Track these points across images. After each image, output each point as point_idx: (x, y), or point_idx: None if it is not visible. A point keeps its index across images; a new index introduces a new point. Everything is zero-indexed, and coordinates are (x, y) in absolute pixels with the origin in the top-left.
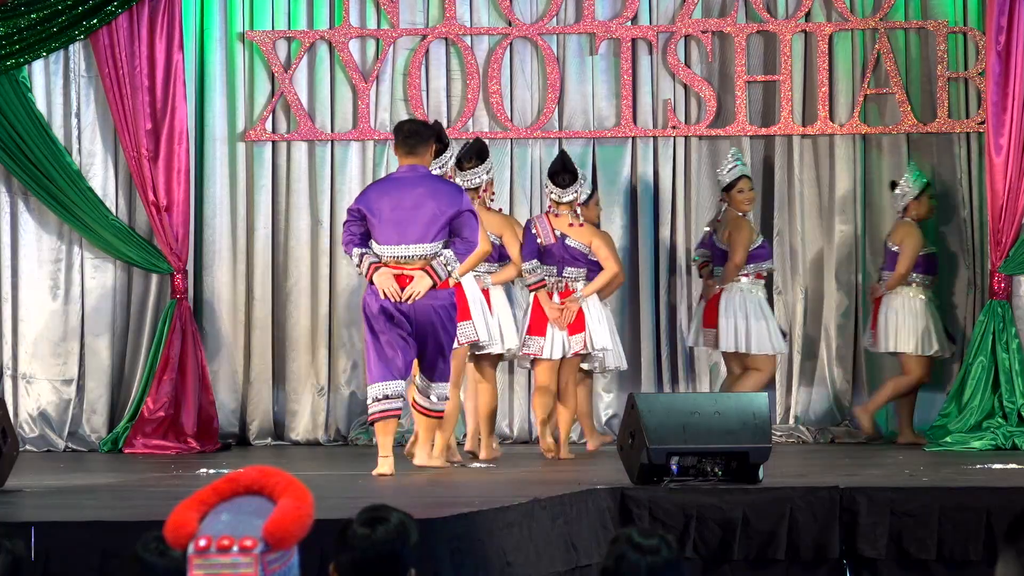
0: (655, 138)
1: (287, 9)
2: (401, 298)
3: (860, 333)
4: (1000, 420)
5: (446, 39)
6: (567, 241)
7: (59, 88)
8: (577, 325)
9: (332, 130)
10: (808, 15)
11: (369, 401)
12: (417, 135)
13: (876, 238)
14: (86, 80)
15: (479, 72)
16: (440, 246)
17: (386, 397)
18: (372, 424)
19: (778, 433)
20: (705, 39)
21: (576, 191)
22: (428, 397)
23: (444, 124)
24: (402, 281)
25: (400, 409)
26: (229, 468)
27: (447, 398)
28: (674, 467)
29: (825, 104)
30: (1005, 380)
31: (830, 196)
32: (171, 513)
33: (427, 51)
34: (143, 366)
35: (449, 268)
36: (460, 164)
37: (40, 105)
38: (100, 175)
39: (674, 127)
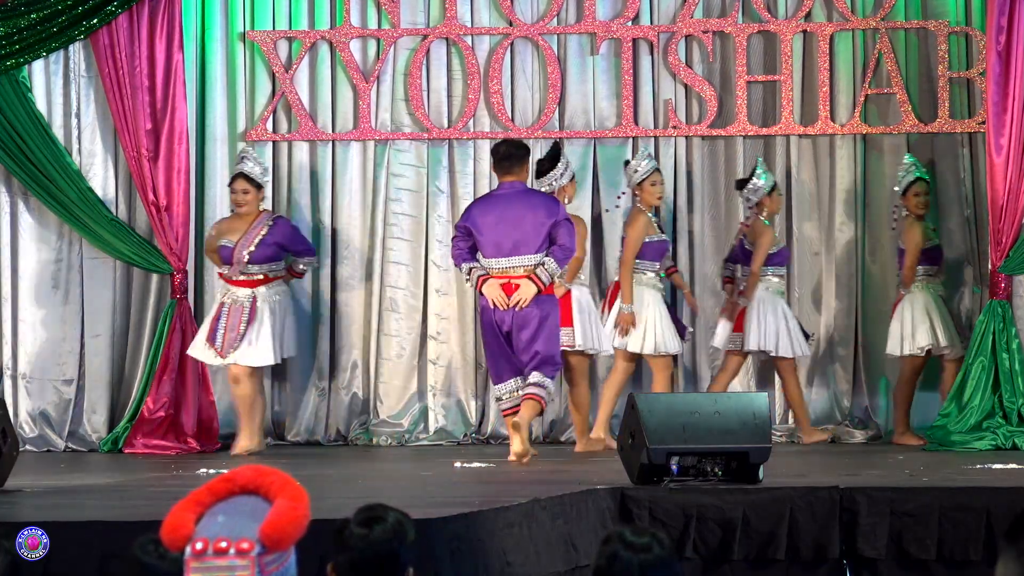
0: (656, 138)
1: (288, 9)
2: (509, 305)
3: (860, 333)
4: (1000, 420)
5: (447, 39)
6: (744, 244)
7: (59, 88)
8: (739, 324)
9: (333, 130)
10: (809, 15)
11: (496, 401)
12: (510, 158)
13: (876, 238)
14: (86, 80)
15: (480, 72)
16: (543, 256)
17: (509, 394)
18: (506, 417)
19: (778, 433)
20: (706, 39)
21: (747, 196)
22: (543, 388)
23: (445, 124)
24: (508, 289)
25: (519, 405)
26: (229, 468)
27: (547, 385)
28: (674, 467)
29: (826, 104)
30: (1005, 380)
31: (830, 196)
32: (167, 515)
33: (428, 51)
34: (143, 366)
35: (552, 274)
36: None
37: (40, 105)
38: (100, 175)
39: (675, 127)
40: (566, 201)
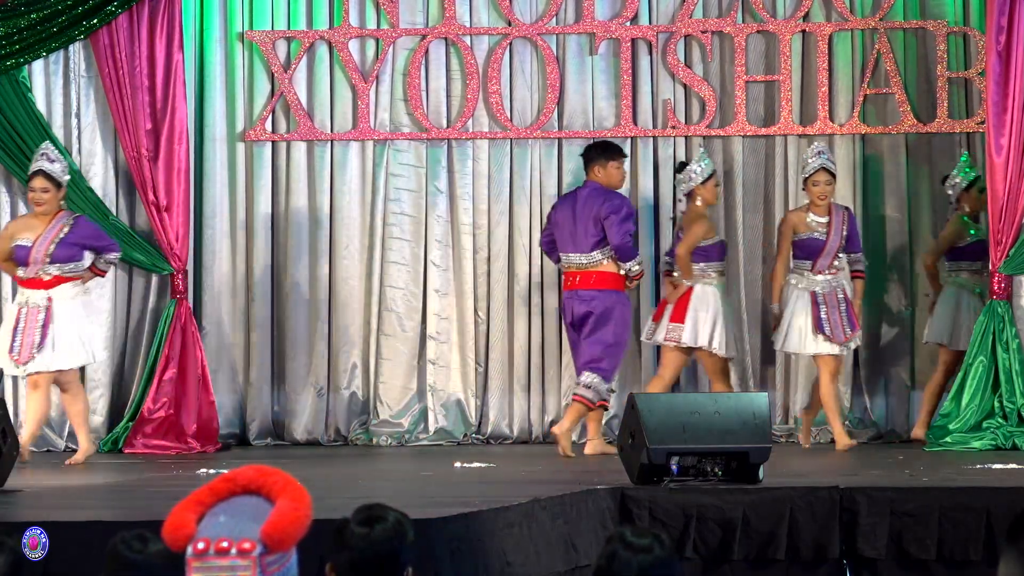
0: (655, 138)
1: (287, 9)
2: None
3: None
4: (1000, 420)
5: (446, 39)
6: None
7: (59, 88)
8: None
9: (332, 130)
10: (808, 15)
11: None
12: (585, 155)
13: (876, 238)
14: (86, 80)
15: (479, 72)
16: (599, 252)
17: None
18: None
19: (778, 433)
20: (705, 39)
21: (946, 191)
22: (588, 388)
23: (444, 124)
24: (573, 282)
25: (607, 400)
26: (229, 468)
27: (594, 384)
28: (674, 467)
29: (825, 104)
30: (1005, 380)
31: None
32: (168, 515)
33: (427, 51)
34: (143, 366)
35: (629, 271)
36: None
37: (40, 105)
38: (100, 175)
39: (674, 127)
40: (697, 202)
